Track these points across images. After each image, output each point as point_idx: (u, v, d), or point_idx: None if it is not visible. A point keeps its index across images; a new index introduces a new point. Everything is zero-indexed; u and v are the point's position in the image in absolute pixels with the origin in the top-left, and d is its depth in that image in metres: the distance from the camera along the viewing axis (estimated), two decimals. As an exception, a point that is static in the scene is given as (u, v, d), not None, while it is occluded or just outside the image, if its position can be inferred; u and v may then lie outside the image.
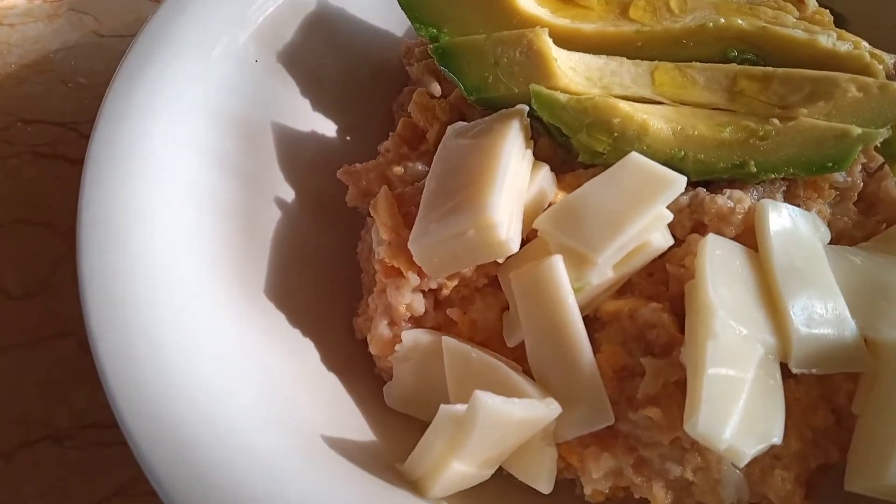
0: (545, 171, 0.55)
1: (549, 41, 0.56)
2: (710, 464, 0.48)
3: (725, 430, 0.44)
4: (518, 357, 0.53)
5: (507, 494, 0.52)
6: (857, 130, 0.52)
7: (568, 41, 0.58)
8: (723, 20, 0.57)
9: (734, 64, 0.57)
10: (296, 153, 0.63)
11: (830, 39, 0.56)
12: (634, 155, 0.52)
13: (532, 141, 0.55)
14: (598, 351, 0.50)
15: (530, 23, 0.58)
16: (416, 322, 0.54)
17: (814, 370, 0.48)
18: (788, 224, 0.51)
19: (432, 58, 0.65)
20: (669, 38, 0.58)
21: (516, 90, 0.56)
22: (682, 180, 0.50)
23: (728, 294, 0.48)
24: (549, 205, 0.55)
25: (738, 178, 0.54)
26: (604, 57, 0.58)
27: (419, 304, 0.54)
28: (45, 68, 0.79)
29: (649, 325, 0.50)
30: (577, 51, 0.58)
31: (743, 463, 0.45)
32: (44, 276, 0.67)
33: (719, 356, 0.45)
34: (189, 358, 0.48)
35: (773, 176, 0.53)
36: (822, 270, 0.50)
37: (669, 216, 0.51)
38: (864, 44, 0.57)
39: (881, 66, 0.55)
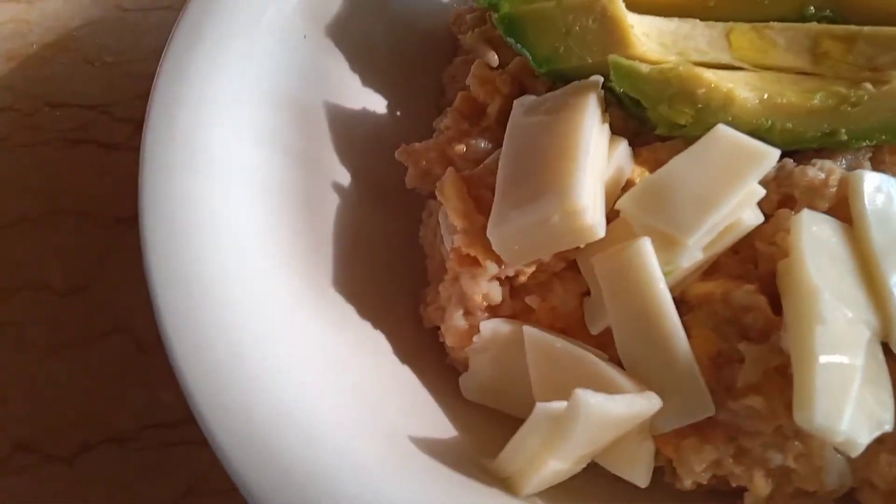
0: (623, 147, 0.52)
1: (622, 6, 0.53)
2: (813, 450, 0.46)
3: (842, 421, 0.42)
4: (602, 344, 0.50)
5: (595, 484, 0.51)
6: (954, 93, 0.49)
7: (635, 2, 0.55)
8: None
9: (814, 23, 0.54)
10: (350, 133, 0.60)
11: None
12: (722, 127, 0.49)
13: (606, 114, 0.52)
14: (688, 336, 0.48)
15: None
16: (492, 311, 0.52)
17: (918, 349, 0.46)
18: (884, 195, 0.48)
19: (487, 25, 0.62)
20: (743, -6, 0.54)
21: (590, 60, 0.53)
22: (774, 153, 0.47)
23: (829, 274, 0.46)
24: (628, 182, 0.52)
25: (825, 147, 0.51)
26: (675, 19, 0.55)
27: (496, 293, 0.51)
28: (68, 46, 0.75)
29: (745, 308, 0.48)
30: (646, 13, 0.55)
31: (857, 453, 0.43)
32: (90, 269, 0.64)
33: (829, 342, 0.43)
34: (269, 356, 0.46)
35: (864, 144, 0.50)
36: (922, 243, 0.48)
37: (762, 192, 0.48)
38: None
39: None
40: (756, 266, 0.50)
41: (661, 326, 0.47)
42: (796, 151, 0.52)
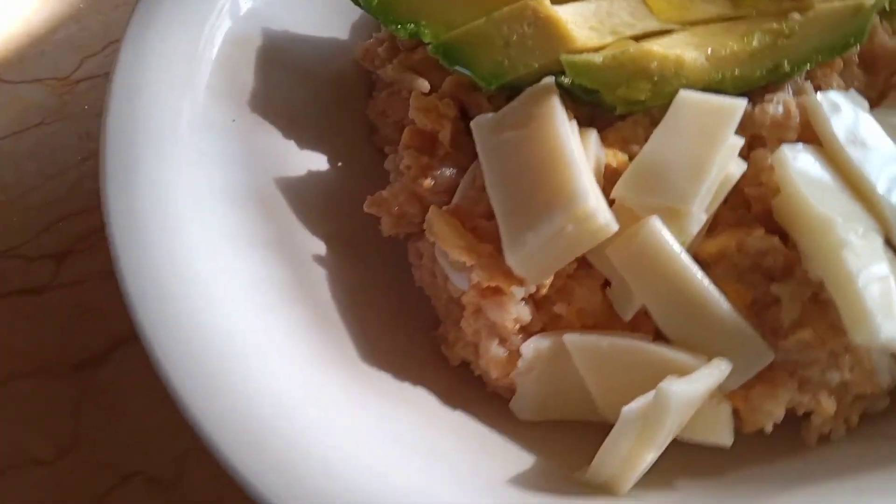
0: (594, 137, 0.53)
1: (549, 3, 0.53)
2: (862, 358, 0.49)
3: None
4: (636, 326, 0.52)
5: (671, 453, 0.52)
6: (870, 0, 0.53)
7: (547, -5, 0.56)
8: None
9: (717, -33, 0.56)
10: (308, 201, 0.58)
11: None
12: (684, 94, 0.51)
13: (570, 111, 0.53)
14: (719, 294, 0.50)
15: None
16: (524, 330, 0.52)
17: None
18: (843, 110, 0.52)
19: (403, 54, 0.61)
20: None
21: (536, 65, 0.53)
22: (741, 102, 0.50)
23: (826, 198, 0.49)
24: (606, 168, 0.53)
25: (770, 82, 0.54)
26: (591, 1, 0.56)
27: (525, 313, 0.51)
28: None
29: (762, 252, 0.50)
30: (563, 2, 0.56)
31: None
32: (69, 426, 0.59)
33: (858, 262, 0.46)
34: (326, 443, 0.46)
35: (805, 69, 0.53)
36: (885, 140, 0.52)
37: (741, 141, 0.50)
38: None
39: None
40: (749, 210, 0.52)
41: (698, 293, 0.49)
42: (747, 93, 0.54)
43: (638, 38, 0.54)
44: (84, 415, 0.60)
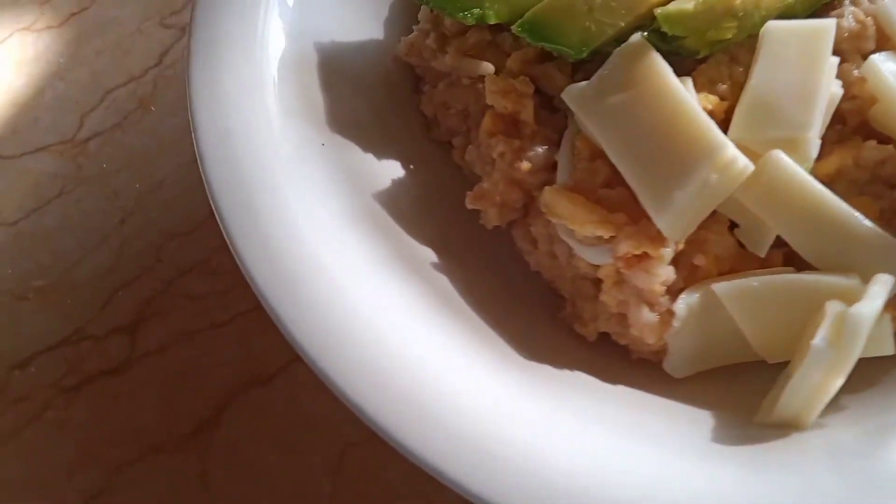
0: (690, 85, 0.52)
1: (621, -42, 0.52)
2: None
3: None
4: (775, 260, 0.53)
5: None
6: None
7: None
8: None
9: None
10: (404, 215, 0.55)
11: None
12: (772, 24, 0.51)
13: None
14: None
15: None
16: (670, 291, 0.52)
17: None
18: (909, 10, 0.54)
19: (456, 41, 0.59)
20: None
21: (622, 24, 0.52)
22: (831, 22, 0.51)
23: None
24: (707, 111, 0.53)
25: (830, -1, 0.55)
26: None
27: (671, 273, 0.51)
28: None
29: (879, 162, 0.51)
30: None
31: None
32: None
33: None
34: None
35: (864, -21, 0.55)
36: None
37: (836, 60, 0.51)
38: None
39: None
40: (844, 124, 0.54)
41: (836, 214, 0.50)
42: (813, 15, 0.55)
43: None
44: (212, 482, 0.56)
